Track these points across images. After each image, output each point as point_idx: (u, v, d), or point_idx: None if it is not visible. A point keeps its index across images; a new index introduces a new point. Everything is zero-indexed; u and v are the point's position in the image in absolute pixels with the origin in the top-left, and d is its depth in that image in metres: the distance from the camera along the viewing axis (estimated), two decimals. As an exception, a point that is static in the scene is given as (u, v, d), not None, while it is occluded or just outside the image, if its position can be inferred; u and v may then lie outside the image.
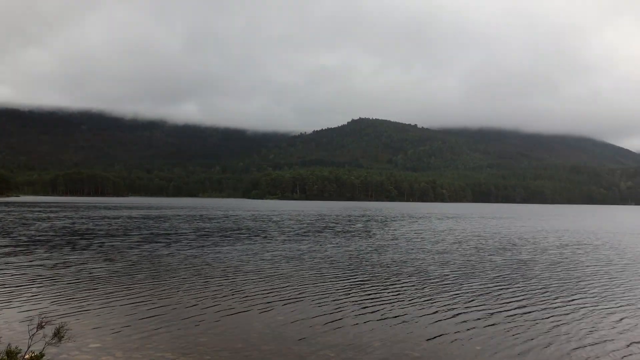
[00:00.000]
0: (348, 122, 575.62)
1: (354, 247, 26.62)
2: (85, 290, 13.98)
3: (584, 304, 13.35)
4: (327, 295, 13.88)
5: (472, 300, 13.47)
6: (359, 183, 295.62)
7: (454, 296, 14.00)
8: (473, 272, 18.36)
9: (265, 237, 31.84)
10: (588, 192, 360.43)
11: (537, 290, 15.08)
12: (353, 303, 12.95)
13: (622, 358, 9.07)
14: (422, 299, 13.53)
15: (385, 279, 16.71)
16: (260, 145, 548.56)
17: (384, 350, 9.22)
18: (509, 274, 18.12)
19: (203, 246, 25.58)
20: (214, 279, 16.00)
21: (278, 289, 14.52)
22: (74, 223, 42.90)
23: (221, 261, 20.15)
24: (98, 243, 26.35)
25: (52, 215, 56.86)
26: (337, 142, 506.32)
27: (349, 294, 14.12)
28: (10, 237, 29.39)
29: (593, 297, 14.24)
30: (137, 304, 12.43)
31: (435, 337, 10.08)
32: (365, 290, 14.63)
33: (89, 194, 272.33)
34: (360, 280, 16.29)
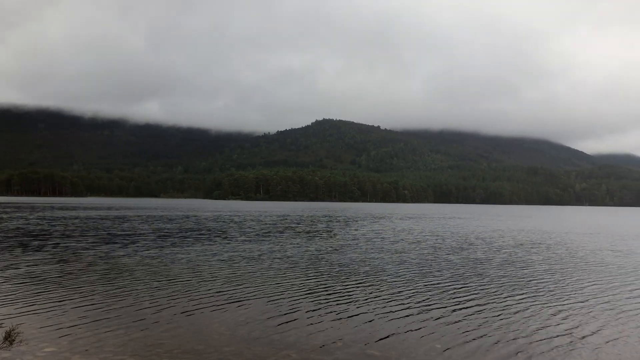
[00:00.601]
0: (312, 123, 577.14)
1: (314, 247, 26.78)
2: (37, 292, 13.64)
3: (534, 301, 13.86)
4: (288, 295, 13.98)
5: (428, 299, 13.81)
6: (323, 184, 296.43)
7: (411, 295, 14.32)
8: (429, 271, 18.77)
9: (226, 237, 31.66)
10: (545, 193, 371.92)
11: (489, 289, 15.55)
12: (313, 303, 13.09)
13: (566, 352, 9.51)
14: (381, 298, 13.79)
15: (345, 278, 16.92)
16: (223, 145, 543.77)
17: (345, 350, 9.38)
18: (463, 273, 18.60)
19: (161, 247, 25.27)
20: (171, 280, 15.86)
21: (238, 290, 14.52)
22: (28, 224, 41.61)
23: (179, 262, 19.96)
24: (52, 244, 25.68)
25: (4, 216, 54.97)
26: (301, 142, 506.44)
27: (309, 293, 14.25)
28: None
29: (543, 295, 14.79)
30: (93, 306, 12.23)
31: (393, 335, 10.31)
32: (325, 290, 14.79)
33: (45, 194, 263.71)
34: (320, 280, 16.44)
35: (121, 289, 14.30)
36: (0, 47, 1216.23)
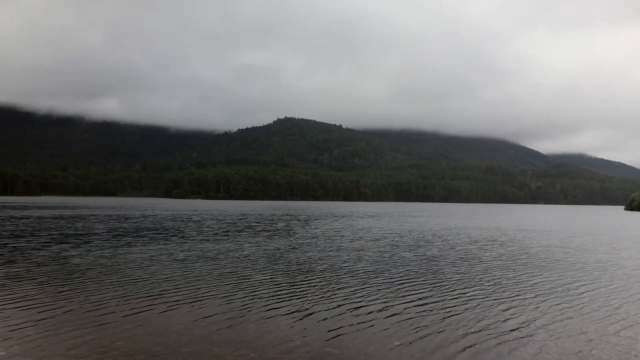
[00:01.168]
0: (274, 121, 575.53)
1: (273, 246, 26.78)
2: (-14, 295, 13.21)
3: (486, 297, 14.30)
4: (245, 294, 13.96)
5: (384, 296, 14.06)
6: (285, 182, 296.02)
7: (367, 293, 14.53)
8: (386, 269, 19.07)
9: (183, 237, 31.28)
10: (502, 192, 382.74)
11: (443, 285, 15.95)
12: (271, 302, 13.13)
13: (514, 348, 9.89)
14: (337, 296, 13.95)
15: (302, 277, 17.01)
16: (183, 143, 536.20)
17: (303, 348, 9.47)
18: (418, 270, 18.99)
19: (116, 247, 24.76)
20: (126, 280, 15.59)
21: (194, 289, 14.41)
22: (-24, 224, 40.04)
23: (134, 262, 19.62)
24: (0, 245, 24.82)
25: (-49, 215, 52.72)
26: (263, 141, 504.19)
27: (267, 292, 14.27)
28: None
29: (495, 292, 15.27)
30: (44, 308, 11.92)
31: (350, 333, 10.48)
32: (283, 289, 14.85)
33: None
34: (278, 279, 16.48)
35: (73, 290, 13.97)
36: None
